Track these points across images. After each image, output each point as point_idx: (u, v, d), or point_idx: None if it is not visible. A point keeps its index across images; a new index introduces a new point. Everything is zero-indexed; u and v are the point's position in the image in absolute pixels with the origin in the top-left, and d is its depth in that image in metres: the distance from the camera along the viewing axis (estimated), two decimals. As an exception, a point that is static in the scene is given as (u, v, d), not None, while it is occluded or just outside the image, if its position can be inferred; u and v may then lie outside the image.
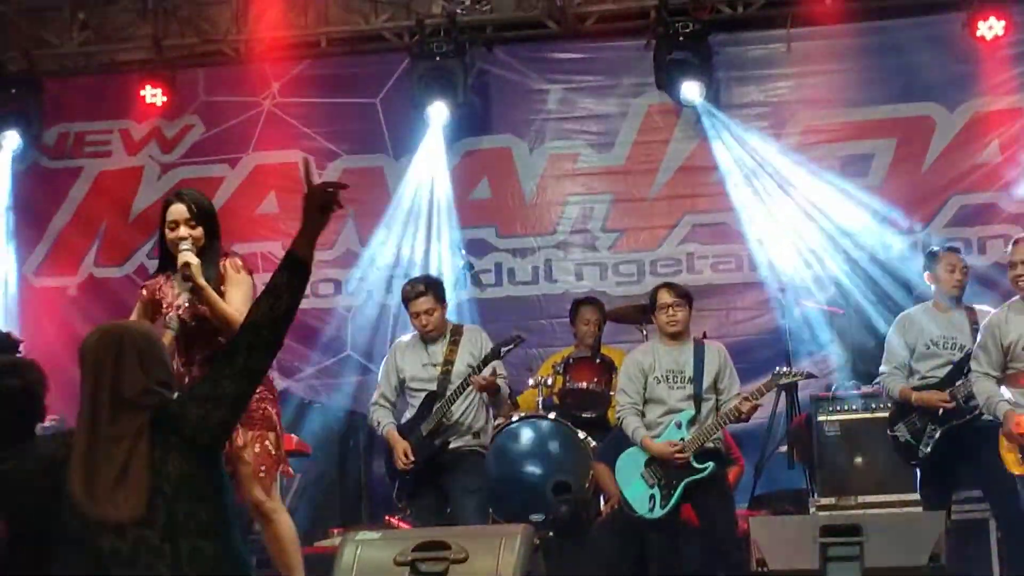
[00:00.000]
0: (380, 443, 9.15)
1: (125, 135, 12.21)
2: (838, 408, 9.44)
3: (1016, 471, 7.73)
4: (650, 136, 11.53)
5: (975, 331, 8.19)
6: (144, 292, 6.71)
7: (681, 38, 10.94)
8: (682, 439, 8.23)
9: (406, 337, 9.09)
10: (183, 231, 6.43)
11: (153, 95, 11.87)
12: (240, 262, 6.55)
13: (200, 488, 4.18)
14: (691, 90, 11.02)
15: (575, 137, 11.68)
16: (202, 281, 6.28)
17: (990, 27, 10.64)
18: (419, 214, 11.62)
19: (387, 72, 11.80)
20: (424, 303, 8.69)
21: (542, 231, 11.65)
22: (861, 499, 9.13)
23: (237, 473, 6.50)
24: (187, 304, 6.41)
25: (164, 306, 6.54)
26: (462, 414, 8.70)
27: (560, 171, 11.70)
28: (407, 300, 8.80)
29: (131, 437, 4.16)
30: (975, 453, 8.09)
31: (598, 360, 9.75)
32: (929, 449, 8.26)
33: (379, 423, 8.83)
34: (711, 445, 8.28)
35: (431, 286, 8.79)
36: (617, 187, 11.59)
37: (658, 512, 8.28)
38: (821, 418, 9.42)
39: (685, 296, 8.59)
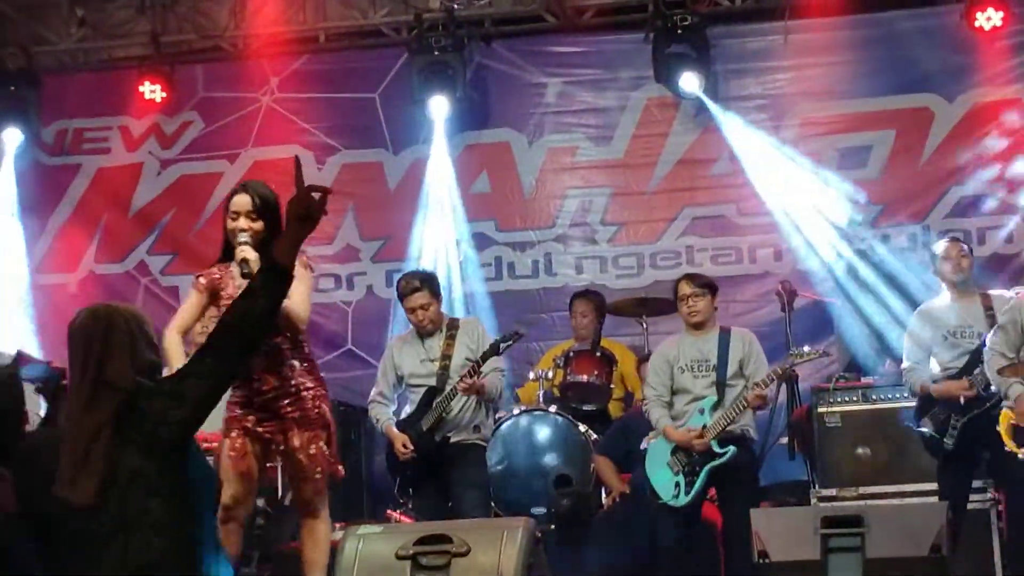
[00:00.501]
0: (381, 438, 9.16)
1: (124, 131, 12.20)
2: (839, 399, 9.44)
3: (1010, 447, 7.76)
4: (649, 129, 11.53)
5: (991, 317, 8.23)
6: (202, 281, 6.61)
7: (679, 31, 10.93)
8: (704, 425, 8.26)
9: (401, 334, 9.10)
10: (243, 223, 6.35)
11: (152, 91, 11.85)
12: (304, 258, 6.43)
13: (154, 484, 4.12)
14: (689, 83, 11.02)
15: (574, 131, 11.68)
16: None
17: (988, 17, 10.62)
18: (422, 207, 11.63)
19: (386, 67, 11.81)
20: (419, 298, 8.68)
21: (541, 225, 11.65)
22: (862, 490, 9.13)
23: (293, 473, 6.52)
24: None
25: (224, 297, 6.46)
26: (462, 409, 8.69)
27: (559, 165, 11.70)
28: (402, 296, 8.78)
29: (99, 422, 4.13)
30: (993, 441, 8.09)
31: (598, 353, 9.76)
32: (953, 442, 8.26)
33: (377, 420, 8.83)
34: (737, 431, 8.29)
35: (426, 281, 8.77)
36: (616, 180, 11.59)
37: (683, 499, 8.31)
38: (822, 409, 9.42)
39: (705, 285, 8.63)
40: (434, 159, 11.62)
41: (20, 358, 5.92)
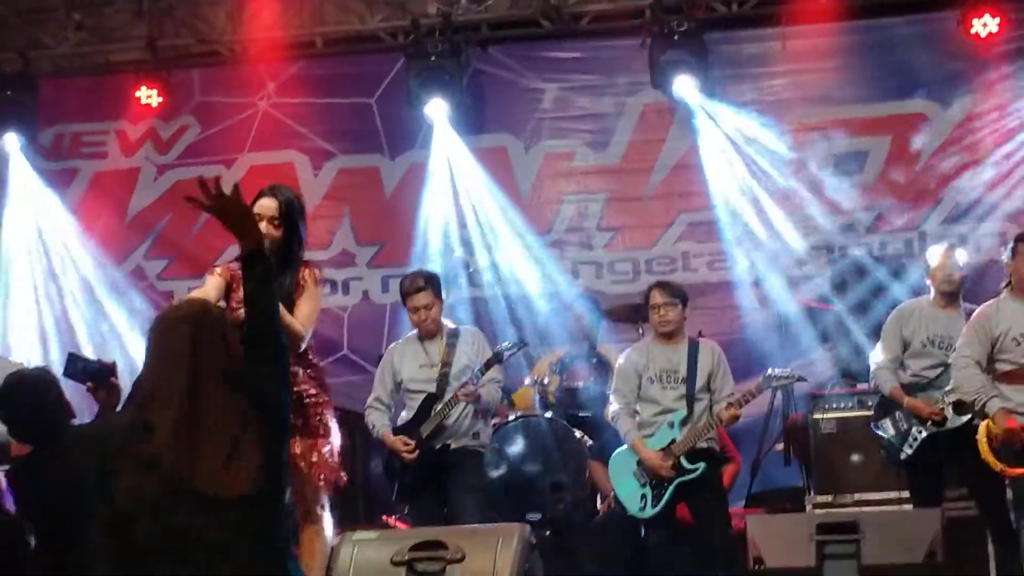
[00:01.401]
0: (377, 443, 9.14)
1: (121, 136, 12.21)
2: (833, 406, 9.46)
3: (997, 468, 7.76)
4: (645, 135, 11.54)
5: None
6: (220, 271, 6.55)
7: (676, 37, 10.94)
8: (673, 440, 8.26)
9: (402, 339, 9.09)
10: (264, 227, 6.21)
11: (149, 96, 11.84)
12: (319, 273, 6.41)
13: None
14: (686, 88, 11.03)
15: (571, 136, 11.69)
16: None
17: (984, 24, 10.63)
18: (417, 211, 11.64)
19: (382, 72, 11.81)
20: (423, 298, 8.67)
21: (538, 230, 11.65)
22: (857, 496, 9.15)
23: (294, 480, 6.45)
24: None
25: (235, 299, 6.36)
26: (461, 416, 8.68)
27: (556, 170, 11.71)
28: (406, 294, 8.77)
29: (242, 412, 4.11)
30: (959, 456, 8.09)
31: (594, 360, 9.77)
32: (912, 452, 8.26)
33: (374, 426, 8.79)
34: (704, 445, 8.30)
35: (430, 280, 8.77)
36: (612, 186, 11.60)
37: (649, 511, 8.30)
38: (817, 416, 9.43)
39: (677, 295, 8.59)
40: (431, 164, 11.63)
41: (73, 358, 6.02)
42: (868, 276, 10.33)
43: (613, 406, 8.54)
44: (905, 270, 10.39)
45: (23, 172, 12.07)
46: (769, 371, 8.61)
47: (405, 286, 8.80)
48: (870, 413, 9.07)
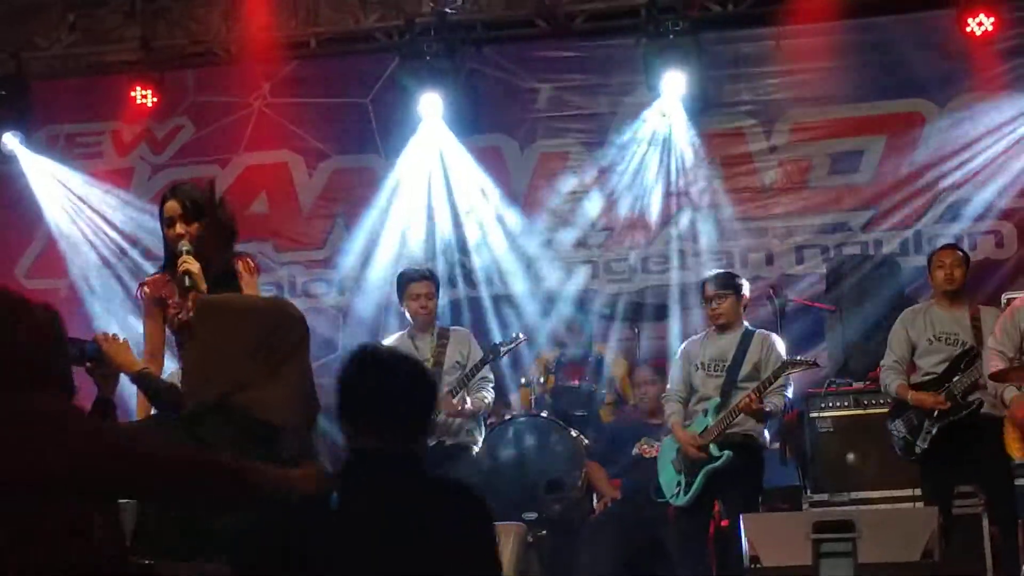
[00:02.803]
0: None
1: (115, 136, 12.18)
2: (831, 404, 9.47)
3: (1018, 456, 7.81)
4: (640, 134, 11.51)
5: (976, 329, 8.29)
6: (146, 289, 6.28)
7: (671, 36, 10.93)
8: (707, 427, 8.31)
9: (391, 337, 9.09)
10: (179, 228, 6.03)
11: (143, 96, 11.83)
12: (252, 262, 6.20)
13: None
14: (681, 88, 11.01)
15: (565, 136, 11.67)
16: (203, 287, 5.86)
17: (980, 23, 10.62)
18: (413, 211, 11.63)
19: (377, 72, 11.78)
20: (425, 286, 8.72)
21: (533, 229, 11.62)
22: (854, 495, 9.14)
23: None
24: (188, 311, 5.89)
25: (169, 305, 6.13)
26: (456, 420, 8.71)
27: (551, 170, 11.69)
28: (409, 281, 8.81)
29: None
30: (973, 448, 8.13)
31: (589, 359, 9.76)
32: (926, 445, 8.32)
33: None
34: (739, 435, 8.30)
35: (433, 273, 8.86)
36: (607, 185, 11.58)
37: (682, 499, 8.37)
38: (814, 414, 9.44)
39: (728, 286, 8.66)
40: (430, 162, 11.62)
41: (70, 341, 5.87)
42: (865, 275, 10.30)
43: (666, 391, 8.65)
44: (900, 269, 10.38)
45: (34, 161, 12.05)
46: (787, 358, 8.63)
47: (409, 274, 8.85)
48: (866, 412, 9.13)
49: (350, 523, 3.71)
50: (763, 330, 8.86)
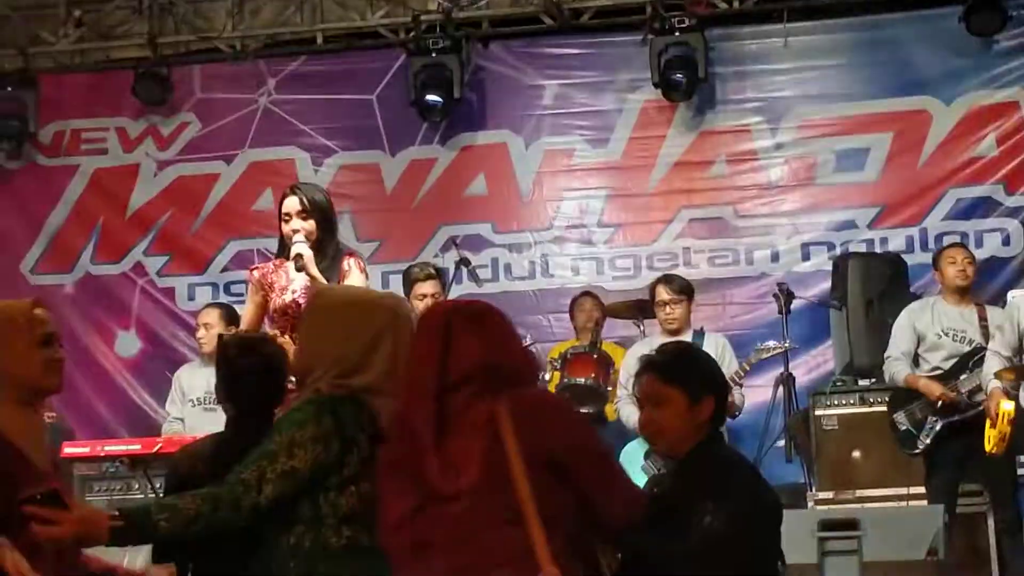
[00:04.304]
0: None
1: (121, 132, 12.18)
2: (836, 402, 9.46)
3: (989, 447, 7.82)
4: (646, 131, 11.50)
5: (984, 327, 8.29)
6: (255, 274, 6.85)
7: (677, 33, 10.93)
8: None
9: None
10: (296, 223, 6.61)
11: (149, 92, 11.83)
12: (362, 263, 6.77)
13: None
14: (687, 85, 11.00)
15: (571, 132, 11.66)
16: (314, 270, 6.47)
17: (986, 20, 10.61)
18: (416, 210, 11.64)
19: (383, 68, 11.79)
20: (430, 286, 8.73)
21: (538, 226, 11.64)
22: (859, 493, 9.13)
23: None
24: (303, 289, 6.55)
25: (277, 289, 6.69)
26: None
27: (556, 166, 11.69)
28: (414, 281, 8.82)
29: None
30: (978, 447, 8.11)
31: (596, 355, 9.75)
32: (929, 441, 8.32)
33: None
34: None
35: (439, 272, 8.86)
36: (613, 182, 11.58)
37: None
38: (819, 412, 9.43)
39: (683, 291, 8.61)
40: (432, 160, 11.63)
41: None
42: (870, 272, 10.29)
43: (618, 399, 8.60)
44: (906, 266, 10.37)
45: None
46: (758, 345, 8.64)
47: (414, 273, 8.86)
48: (872, 409, 9.13)
49: None
50: (713, 332, 8.88)
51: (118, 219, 12.13)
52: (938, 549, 7.12)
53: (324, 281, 6.46)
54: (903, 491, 8.92)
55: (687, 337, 8.60)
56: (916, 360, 8.64)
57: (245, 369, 5.05)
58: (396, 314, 4.31)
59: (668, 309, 8.56)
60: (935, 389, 8.32)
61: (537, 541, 3.67)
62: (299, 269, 6.51)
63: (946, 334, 8.48)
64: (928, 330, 8.53)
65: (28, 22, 12.14)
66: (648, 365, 4.40)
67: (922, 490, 8.68)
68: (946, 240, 10.11)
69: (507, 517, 3.69)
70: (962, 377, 8.29)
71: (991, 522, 8.57)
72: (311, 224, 6.63)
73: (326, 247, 6.66)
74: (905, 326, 8.64)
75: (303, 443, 4.05)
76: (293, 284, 6.64)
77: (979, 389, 8.25)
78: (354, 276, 6.65)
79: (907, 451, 8.54)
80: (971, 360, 8.33)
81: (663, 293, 8.64)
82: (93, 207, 12.16)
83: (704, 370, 4.45)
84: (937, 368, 8.48)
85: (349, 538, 4.08)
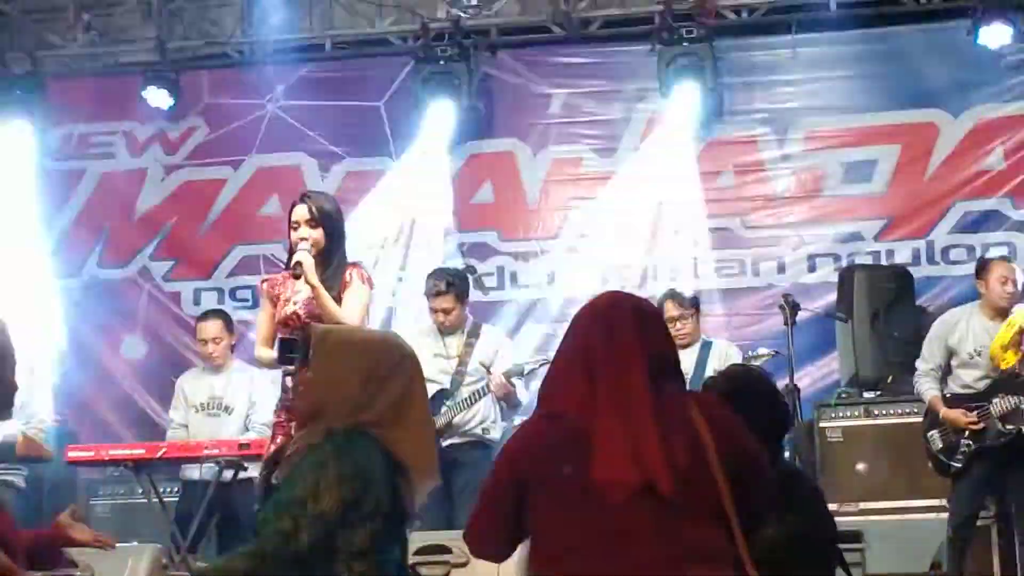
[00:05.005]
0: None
1: (129, 137, 12.19)
2: (840, 414, 9.46)
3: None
4: (653, 141, 11.49)
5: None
6: (265, 285, 6.99)
7: (685, 43, 10.93)
8: None
9: (422, 325, 9.12)
10: (304, 231, 6.68)
11: (157, 97, 11.84)
12: (366, 274, 6.81)
13: None
14: (695, 95, 11.01)
15: (579, 141, 11.66)
16: (314, 279, 6.52)
17: (995, 34, 10.61)
18: (419, 218, 11.64)
19: (391, 75, 11.79)
20: (443, 302, 8.75)
21: (545, 235, 11.63)
22: (863, 505, 9.12)
23: None
24: (304, 301, 6.65)
25: (281, 301, 6.79)
26: (473, 415, 8.72)
27: (563, 175, 11.68)
28: (428, 295, 8.86)
29: None
30: (1013, 471, 8.04)
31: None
32: (961, 465, 8.19)
33: None
34: None
35: (453, 284, 8.84)
36: (620, 192, 11.56)
37: None
38: (823, 424, 9.43)
39: (691, 306, 8.65)
40: (438, 167, 11.62)
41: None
42: (876, 284, 10.28)
43: None
44: (913, 279, 10.36)
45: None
46: (749, 352, 8.65)
47: (428, 287, 8.87)
48: (877, 422, 9.11)
49: None
50: (722, 340, 8.92)
51: (125, 223, 12.15)
52: (942, 562, 7.12)
53: (324, 291, 6.54)
54: (907, 504, 8.91)
55: (696, 349, 8.62)
56: (949, 370, 8.45)
57: None
58: (403, 353, 4.36)
59: (678, 325, 8.60)
60: (960, 420, 8.18)
61: (739, 543, 3.70)
62: (297, 277, 6.59)
63: (979, 353, 8.28)
64: (961, 347, 8.35)
65: (37, 26, 12.16)
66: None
67: (926, 503, 8.67)
68: (953, 254, 10.08)
69: (708, 514, 3.69)
70: (994, 400, 8.14)
71: (995, 534, 8.55)
72: (319, 233, 6.68)
73: (331, 256, 6.71)
74: (937, 339, 8.47)
75: (329, 486, 4.08)
76: (296, 296, 6.72)
77: (1014, 412, 8.09)
78: (355, 287, 6.69)
79: (940, 474, 8.44)
80: (1007, 384, 8.17)
81: (671, 309, 8.70)
82: (100, 211, 12.18)
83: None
84: (969, 387, 8.31)
85: (362, 573, 4.10)
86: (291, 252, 6.77)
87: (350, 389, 4.24)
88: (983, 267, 8.56)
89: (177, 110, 11.98)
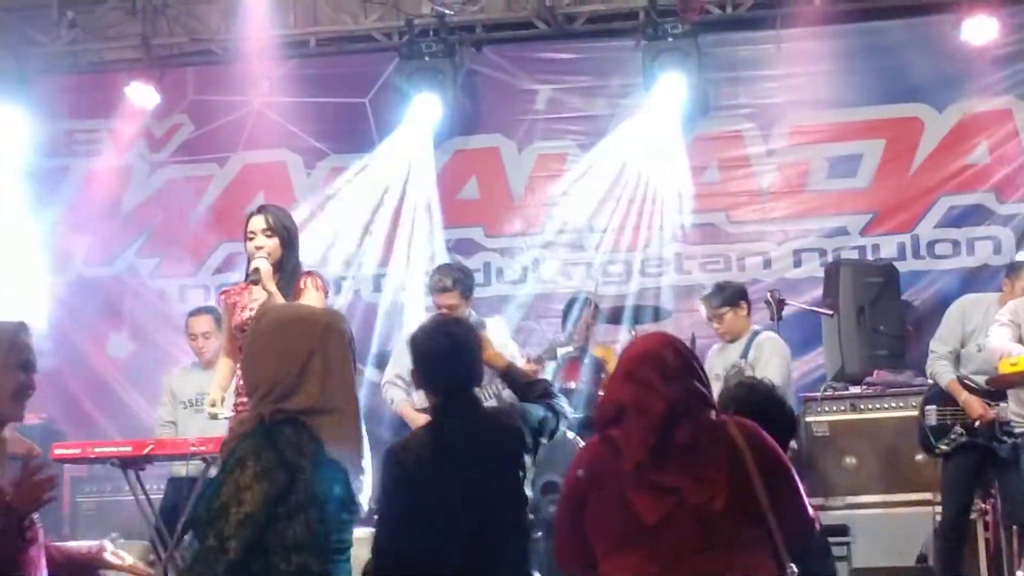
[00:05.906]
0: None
1: (114, 134, 12.16)
2: (827, 409, 9.47)
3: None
4: (638, 136, 11.50)
5: None
6: (224, 297, 7.26)
7: (670, 39, 10.93)
8: None
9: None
10: (260, 241, 6.95)
11: (142, 94, 11.82)
12: (320, 281, 7.05)
13: None
14: (680, 91, 11.01)
15: (564, 137, 11.67)
16: (270, 286, 6.77)
17: (980, 28, 10.62)
18: (405, 212, 11.63)
19: (376, 72, 11.78)
20: (447, 298, 8.72)
21: (530, 231, 11.64)
22: (849, 500, 9.14)
23: None
24: (260, 307, 6.72)
25: (238, 308, 7.07)
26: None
27: (548, 171, 11.69)
28: (431, 290, 8.86)
29: None
30: (999, 466, 8.04)
31: (586, 360, 9.75)
32: (947, 449, 8.20)
33: (392, 400, 8.81)
34: None
35: (458, 281, 8.78)
36: (605, 187, 11.57)
37: None
38: (810, 419, 9.43)
39: (721, 305, 8.77)
40: (423, 163, 11.61)
41: None
42: (861, 279, 10.29)
43: None
44: (898, 273, 10.38)
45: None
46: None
47: (433, 282, 8.85)
48: (863, 416, 9.11)
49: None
50: (767, 332, 8.98)
51: (111, 221, 12.12)
52: (928, 556, 7.14)
53: (280, 297, 6.71)
54: (894, 498, 8.93)
55: (743, 341, 8.89)
56: (958, 357, 8.40)
57: (435, 352, 5.49)
58: (327, 329, 4.27)
59: (715, 325, 8.82)
60: (975, 408, 8.14)
61: (776, 536, 4.16)
62: (255, 283, 6.84)
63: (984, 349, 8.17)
64: (971, 338, 8.28)
65: (21, 23, 12.12)
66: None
67: (912, 497, 8.69)
68: (938, 248, 10.10)
69: (750, 526, 4.12)
70: (1003, 404, 8.08)
71: (981, 528, 8.57)
72: (274, 242, 6.95)
73: (285, 264, 6.96)
74: (954, 322, 8.38)
75: (249, 484, 4.01)
76: (252, 303, 6.93)
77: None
78: (309, 294, 6.88)
79: (924, 448, 8.44)
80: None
81: (705, 310, 8.89)
82: (85, 209, 12.14)
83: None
84: (968, 379, 8.26)
85: (299, 565, 4.04)
86: (248, 261, 6.99)
87: (273, 371, 4.16)
88: (1014, 269, 8.47)
89: (162, 107, 11.98)
